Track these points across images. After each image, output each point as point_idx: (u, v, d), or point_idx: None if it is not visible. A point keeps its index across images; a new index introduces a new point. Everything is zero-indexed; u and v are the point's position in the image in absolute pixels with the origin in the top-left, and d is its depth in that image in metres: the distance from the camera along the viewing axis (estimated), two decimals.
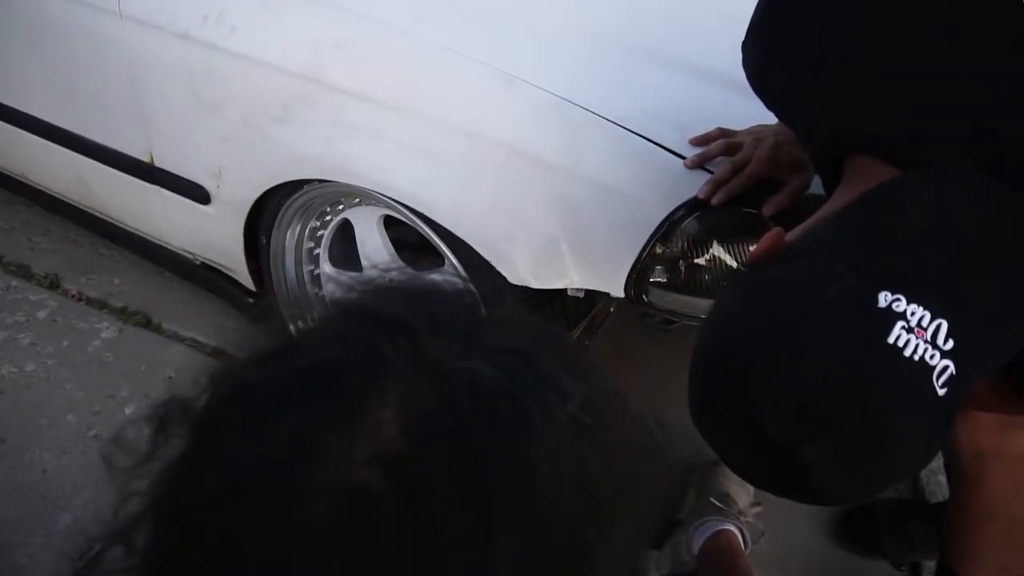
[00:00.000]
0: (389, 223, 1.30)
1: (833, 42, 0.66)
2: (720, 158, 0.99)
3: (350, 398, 0.33)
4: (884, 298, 0.52)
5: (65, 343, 1.67)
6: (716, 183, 0.97)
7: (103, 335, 1.70)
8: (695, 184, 0.98)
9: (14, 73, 1.57)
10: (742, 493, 1.38)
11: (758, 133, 1.00)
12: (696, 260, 1.02)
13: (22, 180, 1.81)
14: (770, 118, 0.89)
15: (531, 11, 1.20)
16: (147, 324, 1.73)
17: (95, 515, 1.36)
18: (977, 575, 1.14)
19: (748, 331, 0.58)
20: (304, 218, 1.36)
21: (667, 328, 1.35)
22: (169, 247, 1.61)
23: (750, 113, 0.97)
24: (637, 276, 1.02)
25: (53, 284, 1.81)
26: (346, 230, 1.36)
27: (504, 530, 0.31)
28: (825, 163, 0.74)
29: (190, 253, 1.58)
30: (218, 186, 1.37)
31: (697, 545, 1.23)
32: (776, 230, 0.67)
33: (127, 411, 1.54)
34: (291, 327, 1.49)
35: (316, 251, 1.42)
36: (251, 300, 1.57)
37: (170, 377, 1.61)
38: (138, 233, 1.65)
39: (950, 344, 0.52)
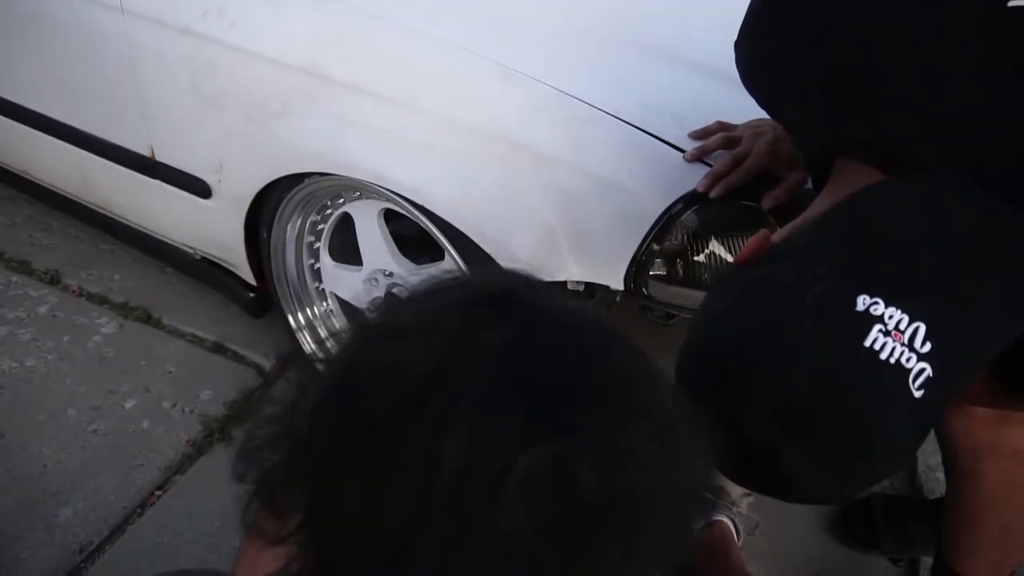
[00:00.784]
0: (389, 216, 1.30)
1: (824, 50, 0.67)
2: (719, 152, 1.00)
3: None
4: (863, 301, 0.53)
5: (65, 338, 1.68)
6: (715, 176, 0.97)
7: (103, 330, 1.70)
8: (694, 178, 0.98)
9: (15, 68, 1.57)
10: (734, 484, 1.38)
11: (757, 127, 1.01)
12: (695, 253, 1.03)
13: (23, 176, 1.81)
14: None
15: (531, 5, 1.20)
16: (147, 319, 1.73)
17: (95, 509, 1.37)
18: (973, 570, 1.15)
19: (731, 332, 0.59)
20: (304, 212, 1.37)
21: (667, 323, 1.35)
22: (170, 242, 1.61)
23: (749, 107, 0.96)
24: (636, 269, 1.02)
25: (54, 280, 1.81)
26: (346, 224, 1.36)
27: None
28: (815, 165, 0.75)
29: (191, 248, 1.59)
30: (219, 180, 1.37)
31: None
32: (763, 231, 0.68)
33: (127, 406, 1.55)
34: (290, 319, 1.50)
35: (316, 245, 1.42)
36: (251, 294, 1.57)
37: (170, 372, 1.62)
38: (139, 228, 1.66)
39: (927, 347, 0.53)
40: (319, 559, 0.42)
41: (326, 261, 1.42)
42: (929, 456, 1.51)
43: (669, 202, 0.99)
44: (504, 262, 1.09)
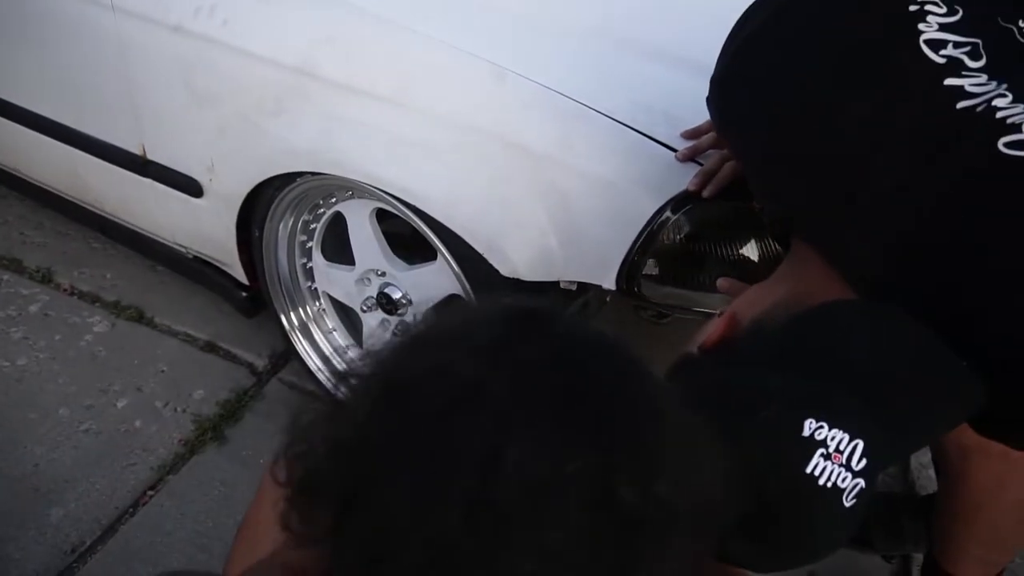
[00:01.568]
0: (382, 216, 1.30)
1: (769, 137, 0.73)
2: (711, 151, 1.00)
3: None
4: (808, 426, 0.58)
5: (57, 337, 1.67)
6: (706, 175, 0.97)
7: (95, 329, 1.70)
8: (686, 177, 0.98)
9: (6, 66, 1.56)
10: None
11: None
12: (688, 253, 1.03)
13: (15, 173, 1.80)
14: None
15: (523, 5, 1.20)
16: (139, 318, 1.72)
17: (87, 509, 1.36)
18: (963, 569, 1.15)
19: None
20: (297, 211, 1.36)
21: (660, 322, 1.35)
22: (162, 240, 1.61)
23: None
24: (629, 269, 1.02)
25: (45, 278, 1.80)
26: (339, 223, 1.36)
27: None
28: (773, 228, 0.81)
29: (183, 246, 1.58)
30: (211, 179, 1.37)
31: None
32: (730, 312, 0.73)
33: (119, 405, 1.54)
34: (283, 318, 1.49)
35: (309, 244, 1.42)
36: (244, 293, 1.57)
37: (162, 371, 1.62)
38: (131, 227, 1.65)
39: (863, 464, 0.58)
40: (362, 559, 0.43)
41: (318, 260, 1.42)
42: (922, 453, 1.51)
43: (661, 202, 0.99)
44: (497, 262, 1.08)
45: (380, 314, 1.38)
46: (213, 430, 1.49)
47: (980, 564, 1.15)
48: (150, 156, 1.43)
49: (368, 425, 0.44)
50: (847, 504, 0.58)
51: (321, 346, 1.51)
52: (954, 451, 1.08)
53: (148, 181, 1.46)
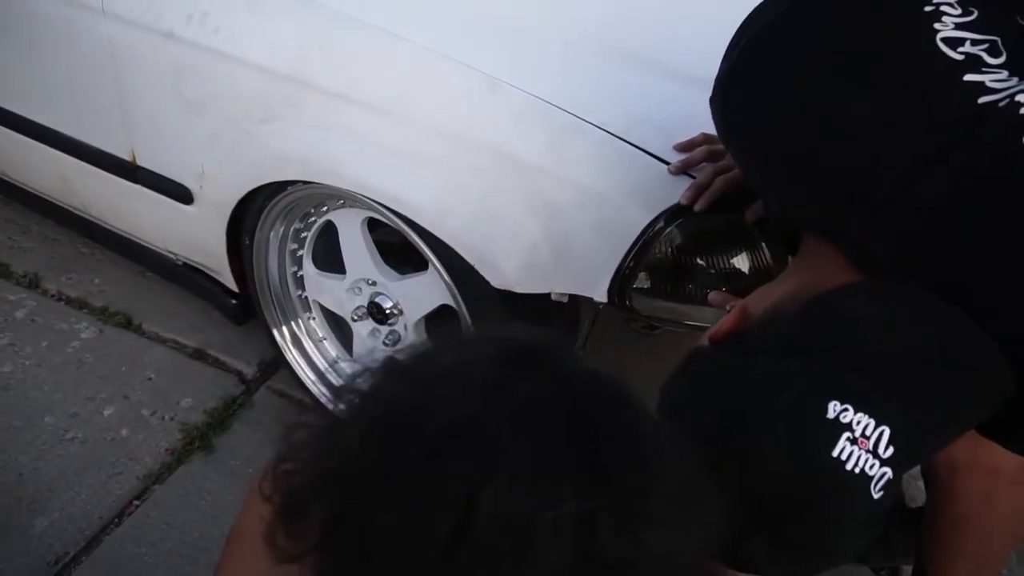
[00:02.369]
0: (374, 225, 1.30)
1: (774, 144, 0.71)
2: (703, 164, 1.00)
3: None
4: (833, 408, 0.55)
5: (44, 344, 1.65)
6: (698, 188, 0.97)
7: (83, 335, 1.68)
8: (678, 190, 0.98)
9: None
10: None
11: None
12: (680, 266, 1.03)
13: (3, 177, 1.78)
14: None
15: (517, 15, 1.20)
16: (128, 325, 1.71)
17: (71, 519, 1.35)
18: None
19: (705, 420, 0.61)
20: (287, 219, 1.35)
21: (651, 333, 1.35)
22: (151, 247, 1.60)
23: None
24: (620, 282, 1.02)
25: (32, 283, 1.79)
26: (330, 232, 1.35)
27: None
28: (780, 231, 0.79)
29: (172, 253, 1.57)
30: (201, 186, 1.36)
31: None
32: (741, 304, 0.71)
33: (106, 413, 1.53)
34: (272, 326, 1.48)
35: (299, 252, 1.41)
36: (234, 301, 1.56)
37: (150, 379, 1.60)
38: (120, 232, 1.64)
39: (890, 451, 0.55)
40: None
41: (309, 269, 1.41)
42: None
43: (653, 215, 0.99)
44: (488, 273, 1.08)
45: (370, 323, 1.37)
46: (200, 439, 1.48)
47: None
48: (140, 162, 1.42)
49: (360, 452, 0.45)
50: (875, 495, 0.54)
51: (311, 355, 1.50)
52: (943, 466, 1.08)
53: (138, 187, 1.45)
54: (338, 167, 1.15)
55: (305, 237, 1.39)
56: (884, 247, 0.68)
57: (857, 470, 0.54)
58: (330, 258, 1.39)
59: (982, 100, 0.62)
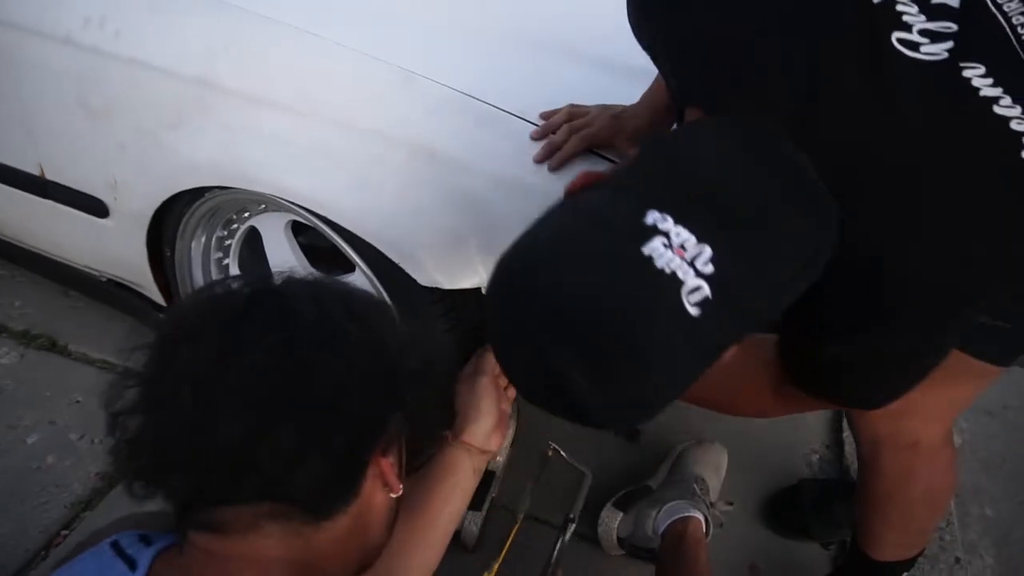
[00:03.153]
0: (299, 229, 1.26)
1: (671, 26, 0.70)
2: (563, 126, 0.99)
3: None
4: (651, 216, 0.54)
5: None
6: (552, 146, 0.97)
7: (2, 361, 1.60)
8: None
9: None
10: (714, 479, 1.41)
11: (609, 105, 1.00)
12: None
13: None
14: None
15: (427, 7, 1.17)
16: (52, 347, 1.63)
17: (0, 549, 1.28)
18: (880, 552, 1.17)
19: (525, 251, 0.59)
20: (209, 227, 1.31)
21: None
22: (71, 264, 1.53)
23: None
24: None
25: None
26: (255, 238, 1.31)
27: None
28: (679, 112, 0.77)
29: (94, 270, 1.51)
30: (115, 198, 1.30)
31: (664, 525, 1.23)
32: (586, 169, 0.69)
33: (30, 441, 1.46)
34: None
35: (225, 261, 1.36)
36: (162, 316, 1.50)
37: (77, 401, 1.53)
38: (37, 251, 1.56)
39: (709, 269, 0.53)
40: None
41: None
42: None
43: None
44: (413, 271, 1.05)
45: None
46: None
47: (896, 547, 1.18)
48: (49, 176, 1.36)
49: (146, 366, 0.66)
50: (688, 307, 0.52)
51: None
52: (866, 443, 1.10)
53: (49, 203, 1.38)
54: (253, 170, 1.11)
55: (229, 245, 1.34)
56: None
57: (668, 270, 0.52)
58: (257, 265, 1.34)
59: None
